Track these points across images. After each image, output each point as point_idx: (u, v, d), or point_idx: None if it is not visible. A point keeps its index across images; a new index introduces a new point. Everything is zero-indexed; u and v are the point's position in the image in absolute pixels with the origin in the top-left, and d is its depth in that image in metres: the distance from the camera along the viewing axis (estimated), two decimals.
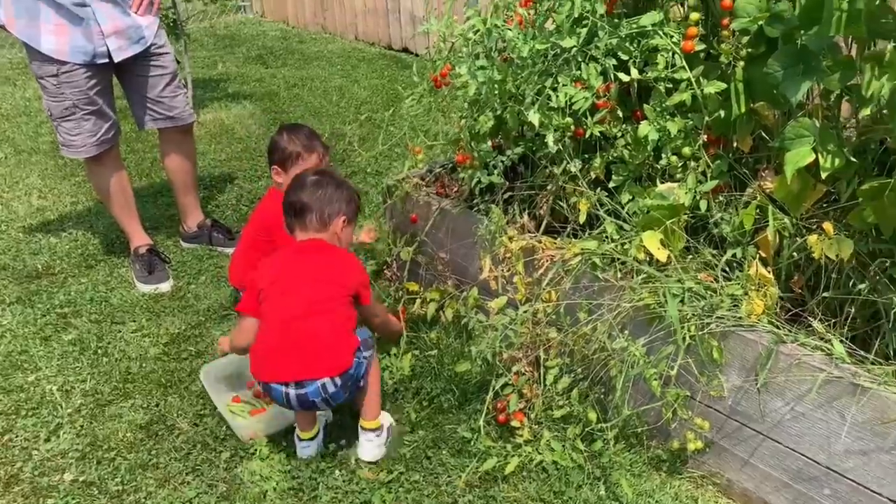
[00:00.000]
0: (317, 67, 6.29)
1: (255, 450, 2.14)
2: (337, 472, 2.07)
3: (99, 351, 2.63)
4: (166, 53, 3.01)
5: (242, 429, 2.18)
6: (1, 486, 2.03)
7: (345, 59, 6.50)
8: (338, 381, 1.98)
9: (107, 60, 2.81)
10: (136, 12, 2.82)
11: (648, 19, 2.06)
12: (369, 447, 2.09)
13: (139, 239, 3.15)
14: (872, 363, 1.67)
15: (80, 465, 2.12)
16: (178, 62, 3.00)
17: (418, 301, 2.55)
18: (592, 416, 2.08)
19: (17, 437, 2.23)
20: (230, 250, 3.18)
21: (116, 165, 3.07)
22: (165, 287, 3.00)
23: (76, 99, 2.80)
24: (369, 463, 2.09)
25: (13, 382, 2.45)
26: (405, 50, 6.73)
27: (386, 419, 2.17)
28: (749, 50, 1.95)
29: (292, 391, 1.97)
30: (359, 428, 2.11)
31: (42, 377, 2.48)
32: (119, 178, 3.09)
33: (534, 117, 2.14)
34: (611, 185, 2.23)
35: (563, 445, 2.09)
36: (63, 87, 2.77)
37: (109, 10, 2.75)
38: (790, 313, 1.95)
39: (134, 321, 2.80)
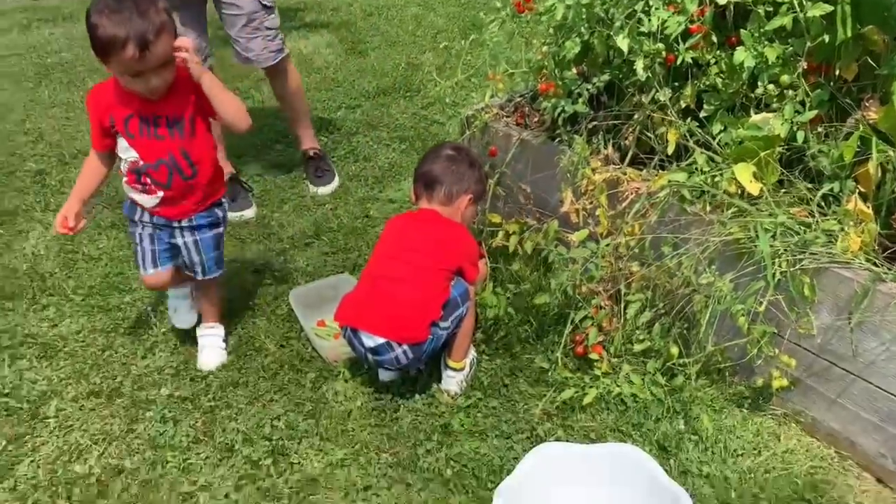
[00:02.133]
0: None
1: (339, 372, 2.21)
2: (417, 395, 2.12)
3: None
4: None
5: (327, 350, 2.25)
6: (105, 397, 2.17)
7: None
8: (409, 352, 2.01)
9: None
10: None
11: None
12: (452, 382, 2.14)
13: (224, 167, 3.23)
14: None
15: (175, 381, 2.23)
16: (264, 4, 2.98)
17: (500, 233, 2.54)
18: (674, 350, 2.06)
19: (116, 353, 2.36)
20: (317, 188, 3.27)
21: None
22: (249, 214, 3.08)
23: None
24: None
25: (111, 302, 2.59)
26: None
27: (470, 356, 2.20)
28: None
29: (370, 356, 2.05)
30: (443, 362, 2.15)
31: (137, 298, 2.60)
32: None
33: (623, 43, 2.07)
34: (702, 114, 2.15)
35: (643, 379, 2.08)
36: None
37: None
38: (889, 251, 1.86)
39: None
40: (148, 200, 2.07)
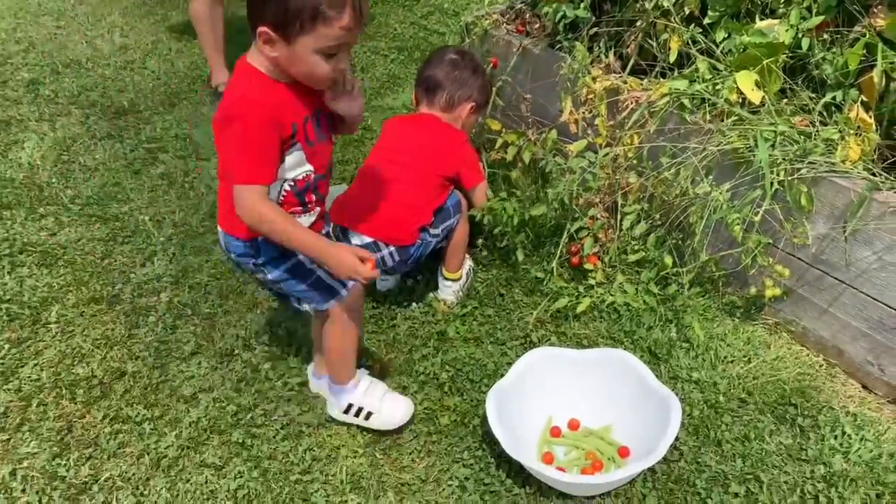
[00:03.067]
0: None
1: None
2: (414, 304, 2.15)
3: (186, 185, 2.72)
4: None
5: None
6: (105, 304, 2.19)
7: None
8: (396, 254, 2.01)
9: None
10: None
11: None
12: (448, 292, 2.15)
13: (220, 75, 3.18)
14: None
15: (174, 289, 2.25)
16: None
17: (499, 142, 2.51)
18: (668, 260, 2.07)
19: (115, 261, 2.37)
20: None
21: None
22: None
23: None
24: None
25: (109, 212, 2.59)
26: None
27: (466, 266, 2.21)
28: None
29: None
30: (439, 272, 2.17)
31: (135, 208, 2.60)
32: (213, 8, 3.07)
33: None
34: (706, 21, 2.09)
35: (637, 288, 2.10)
36: None
37: None
38: (888, 162, 1.85)
39: (216, 157, 2.87)
40: (306, 220, 1.61)
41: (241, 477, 1.70)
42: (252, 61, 1.44)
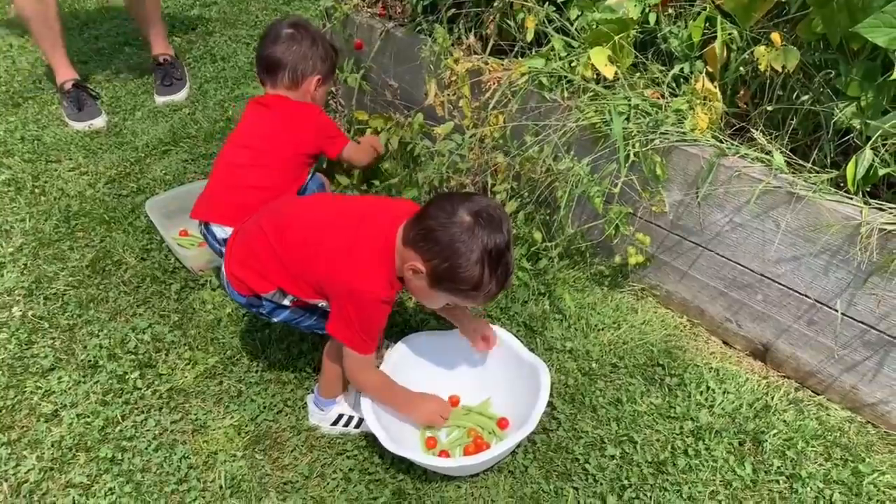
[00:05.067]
0: None
1: (206, 280, 2.15)
2: None
3: (36, 190, 2.54)
4: None
5: (191, 259, 2.17)
6: None
7: None
8: None
9: None
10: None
11: None
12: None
13: (64, 73, 2.97)
14: (809, 172, 1.70)
15: (28, 301, 2.10)
16: None
17: (368, 131, 2.49)
18: (538, 236, 2.11)
19: None
20: (163, 98, 3.04)
21: None
22: (100, 122, 2.88)
23: None
24: None
25: None
26: None
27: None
28: None
29: (223, 249, 1.95)
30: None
31: None
32: (44, 4, 2.84)
33: None
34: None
35: None
36: None
37: None
38: (734, 129, 1.96)
39: (70, 159, 2.70)
40: None
41: (111, 494, 1.61)
42: (392, 250, 1.53)
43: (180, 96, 3.06)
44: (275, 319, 1.72)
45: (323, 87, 2.14)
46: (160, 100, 3.04)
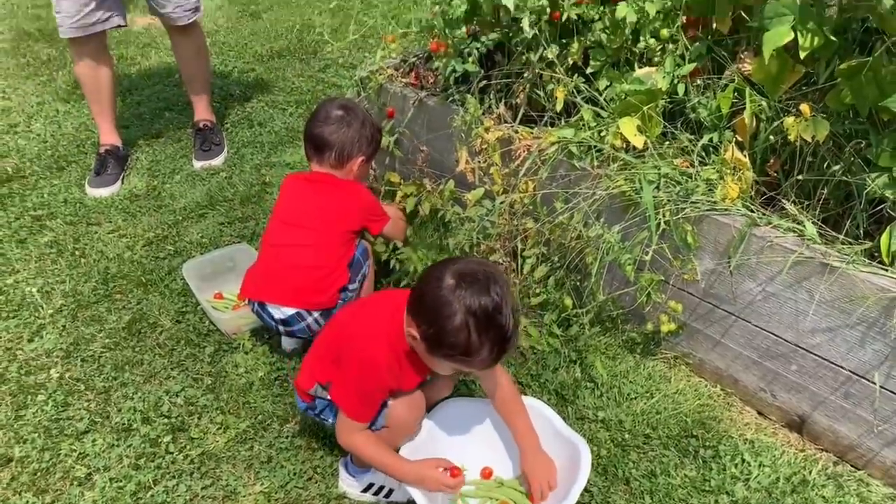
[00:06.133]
0: None
1: (239, 344, 2.17)
2: None
3: (76, 252, 2.61)
4: None
5: (225, 323, 2.20)
6: None
7: None
8: (321, 319, 2.00)
9: None
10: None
11: None
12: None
13: (106, 136, 3.09)
14: (842, 243, 1.70)
15: (66, 363, 2.14)
16: None
17: (398, 194, 2.53)
18: (568, 302, 2.11)
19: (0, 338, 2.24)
20: (201, 163, 3.15)
21: (98, 55, 2.94)
22: (105, 192, 2.94)
23: None
24: None
25: None
26: None
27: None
28: None
29: (281, 328, 2.02)
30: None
31: (21, 279, 2.48)
32: (98, 69, 2.96)
33: (508, 0, 2.07)
34: (588, 70, 2.19)
35: (541, 331, 2.13)
36: None
37: None
38: (765, 197, 1.96)
39: (110, 222, 2.78)
40: None
41: None
42: (400, 319, 1.55)
43: (218, 161, 3.15)
44: (330, 420, 1.73)
45: (366, 165, 2.21)
46: (198, 164, 3.12)
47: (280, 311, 1.99)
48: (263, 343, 2.17)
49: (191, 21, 3.02)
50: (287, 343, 2.16)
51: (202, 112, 3.27)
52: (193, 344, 2.19)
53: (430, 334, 1.45)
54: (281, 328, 2.03)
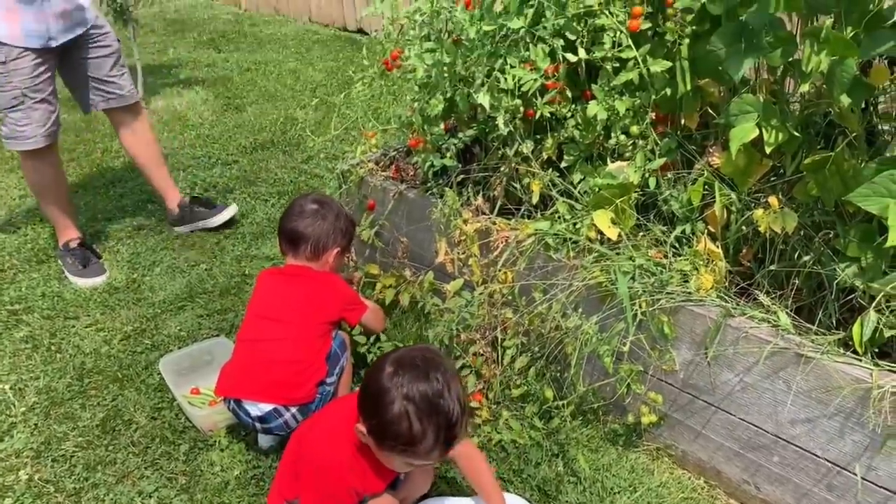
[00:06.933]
0: (270, 51, 6.20)
1: (215, 441, 2.13)
2: None
3: (52, 347, 2.58)
4: (108, 32, 2.96)
5: (201, 419, 2.16)
6: None
7: (299, 42, 6.42)
8: (299, 415, 1.98)
9: (57, 44, 2.74)
10: None
11: None
12: None
13: (72, 232, 3.10)
14: (816, 333, 1.72)
15: (36, 464, 2.09)
16: (125, 47, 2.95)
17: (378, 286, 2.55)
18: (549, 393, 2.10)
19: None
20: (216, 221, 3.25)
21: (57, 158, 3.01)
22: (100, 280, 2.95)
23: (24, 87, 2.72)
24: None
25: None
26: (360, 31, 6.66)
27: None
28: (693, 28, 1.96)
29: (258, 425, 2.00)
30: None
31: None
32: (59, 171, 3.04)
33: (483, 99, 2.14)
34: (562, 165, 2.25)
35: (522, 424, 2.11)
36: (11, 76, 2.68)
37: None
38: (738, 287, 1.99)
39: (87, 315, 2.76)
40: None
41: None
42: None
43: (220, 219, 3.30)
44: None
45: (341, 257, 2.24)
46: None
47: (257, 408, 1.96)
48: (240, 440, 2.13)
49: (138, 95, 3.13)
50: (264, 441, 2.12)
51: (175, 190, 3.37)
52: (168, 441, 2.15)
53: (373, 426, 1.42)
54: (258, 425, 1.99)
